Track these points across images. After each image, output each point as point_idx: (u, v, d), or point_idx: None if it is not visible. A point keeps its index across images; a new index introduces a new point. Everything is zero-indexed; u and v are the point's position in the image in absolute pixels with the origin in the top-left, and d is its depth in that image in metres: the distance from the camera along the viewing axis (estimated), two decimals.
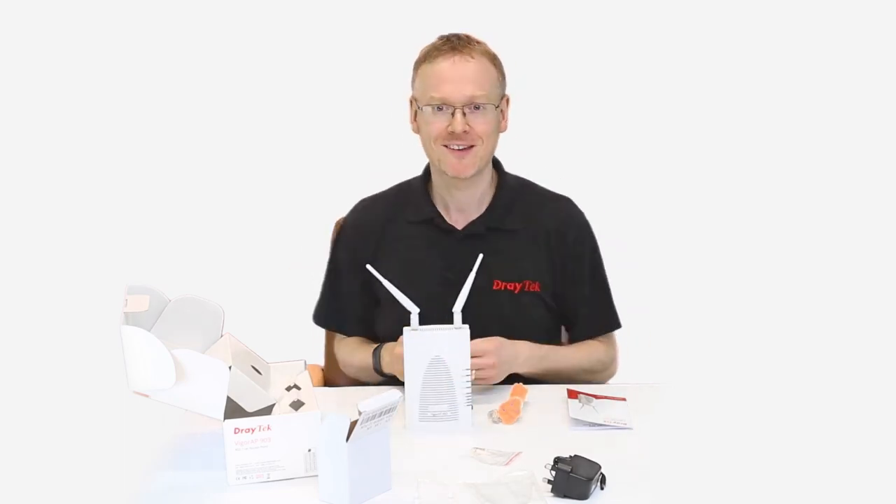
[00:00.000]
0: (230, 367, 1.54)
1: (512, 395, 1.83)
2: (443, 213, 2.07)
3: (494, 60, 2.01)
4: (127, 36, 3.24)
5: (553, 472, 1.47)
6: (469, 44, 1.98)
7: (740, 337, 2.77)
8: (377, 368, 1.98)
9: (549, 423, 1.77)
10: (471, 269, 1.78)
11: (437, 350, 1.73)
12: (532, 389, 1.86)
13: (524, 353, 1.95)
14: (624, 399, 1.84)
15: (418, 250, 2.05)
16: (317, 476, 1.49)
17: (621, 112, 3.26)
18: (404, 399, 1.72)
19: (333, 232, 2.30)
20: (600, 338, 2.11)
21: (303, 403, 1.61)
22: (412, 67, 2.02)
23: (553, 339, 2.08)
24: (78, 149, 3.23)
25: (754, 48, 3.18)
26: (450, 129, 1.95)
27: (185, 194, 3.28)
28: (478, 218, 2.05)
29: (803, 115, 3.15)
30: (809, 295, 2.96)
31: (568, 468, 1.46)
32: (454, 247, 2.02)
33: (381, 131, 2.88)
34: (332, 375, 2.23)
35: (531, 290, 2.03)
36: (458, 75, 1.95)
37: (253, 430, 1.53)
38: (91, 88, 3.23)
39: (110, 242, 3.12)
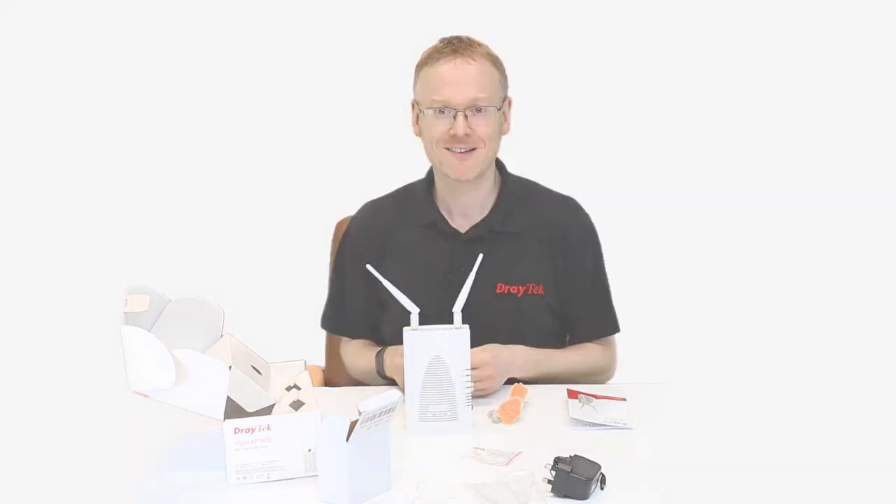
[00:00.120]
0: (230, 367, 1.54)
1: (512, 395, 1.83)
2: (446, 216, 2.07)
3: (496, 62, 2.00)
4: (128, 37, 3.24)
5: (553, 472, 1.47)
6: (470, 46, 1.98)
7: (740, 337, 2.77)
8: (380, 372, 1.98)
9: (549, 423, 1.77)
10: (471, 272, 1.77)
11: (437, 350, 1.73)
12: (532, 389, 1.86)
13: (520, 358, 1.95)
14: (624, 399, 1.84)
15: (422, 254, 2.05)
16: (317, 476, 1.49)
17: (624, 113, 3.26)
18: (404, 399, 1.72)
19: (334, 232, 2.30)
20: (598, 341, 2.10)
21: (303, 403, 1.61)
22: (413, 70, 2.02)
23: (557, 343, 2.08)
24: (79, 150, 3.23)
25: (757, 49, 3.18)
26: (452, 132, 1.94)
27: (185, 195, 3.28)
28: (481, 221, 2.05)
29: (806, 118, 3.15)
30: (809, 295, 2.96)
31: (568, 468, 1.46)
32: (458, 250, 2.02)
33: (381, 133, 2.88)
34: (332, 375, 2.24)
35: (535, 293, 2.03)
36: (459, 78, 1.94)
37: (253, 430, 1.53)
38: (92, 90, 3.23)
39: (110, 242, 3.12)
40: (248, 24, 3.29)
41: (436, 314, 1.75)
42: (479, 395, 1.84)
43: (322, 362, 2.28)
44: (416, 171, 2.13)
